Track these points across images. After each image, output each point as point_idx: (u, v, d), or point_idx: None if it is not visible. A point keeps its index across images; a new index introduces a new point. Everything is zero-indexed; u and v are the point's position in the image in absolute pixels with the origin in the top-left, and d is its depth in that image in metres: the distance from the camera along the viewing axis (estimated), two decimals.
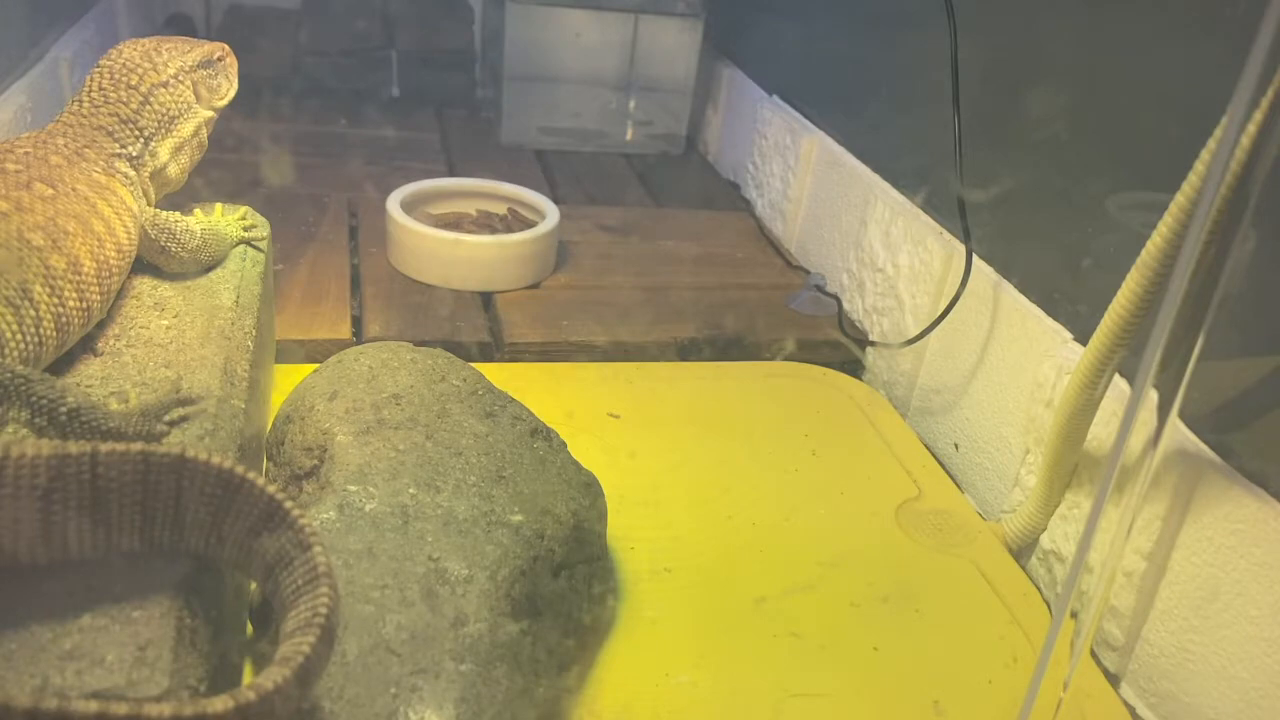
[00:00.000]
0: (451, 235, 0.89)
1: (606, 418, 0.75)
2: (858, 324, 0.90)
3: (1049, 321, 0.68)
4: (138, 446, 0.38)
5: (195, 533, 0.40)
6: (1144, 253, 0.55)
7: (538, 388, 0.76)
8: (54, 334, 0.48)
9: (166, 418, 0.47)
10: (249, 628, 0.50)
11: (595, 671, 0.54)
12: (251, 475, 0.39)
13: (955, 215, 0.74)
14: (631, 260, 0.99)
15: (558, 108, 1.25)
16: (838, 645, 0.58)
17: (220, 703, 0.33)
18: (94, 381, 0.49)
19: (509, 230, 0.96)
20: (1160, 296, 0.56)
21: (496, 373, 0.68)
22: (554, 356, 0.83)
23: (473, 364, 0.67)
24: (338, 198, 1.03)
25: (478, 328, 0.84)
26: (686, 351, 0.86)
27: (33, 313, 0.46)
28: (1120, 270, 0.56)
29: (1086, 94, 0.66)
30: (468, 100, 1.37)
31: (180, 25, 1.46)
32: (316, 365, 0.65)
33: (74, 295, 0.49)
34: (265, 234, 0.67)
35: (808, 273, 0.99)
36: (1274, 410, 0.54)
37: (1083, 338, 0.65)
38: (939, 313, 0.77)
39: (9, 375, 0.42)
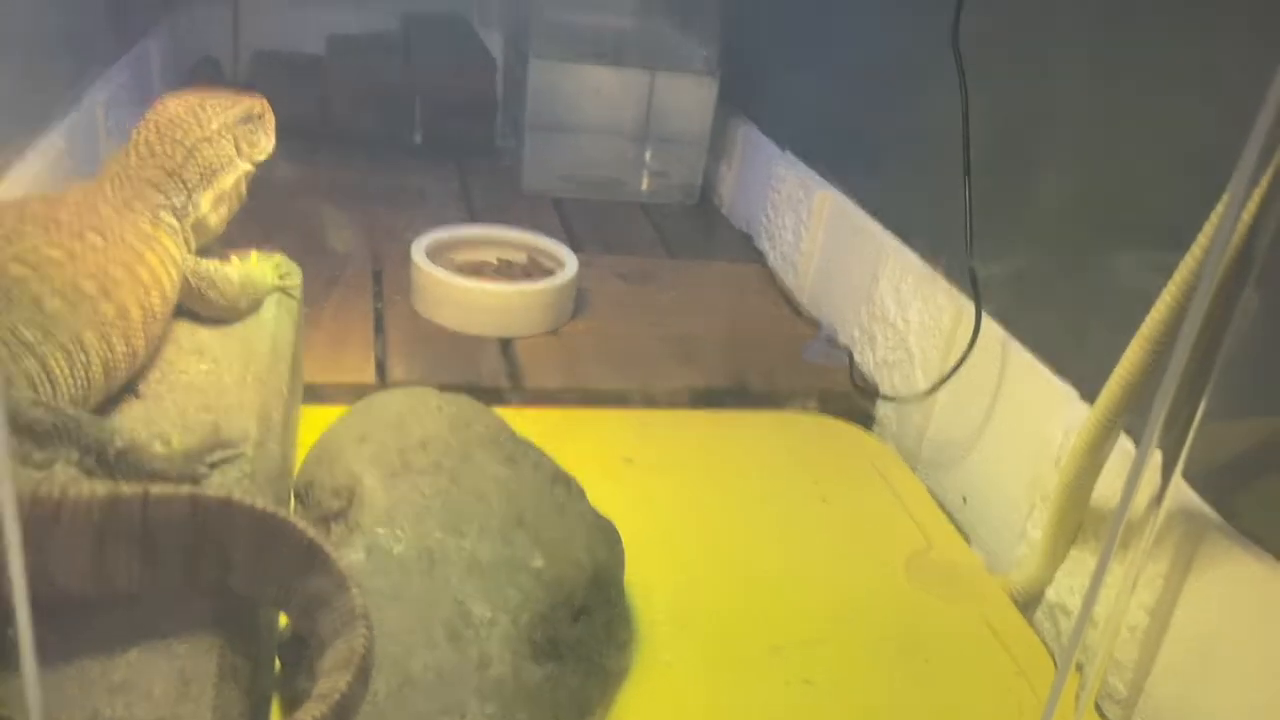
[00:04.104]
0: (474, 283, 0.91)
1: (622, 463, 0.77)
2: (868, 376, 0.92)
3: (1057, 381, 0.70)
4: (186, 489, 0.40)
5: (238, 572, 0.42)
6: (1149, 318, 0.57)
7: (556, 432, 0.78)
8: (102, 378, 0.50)
9: (208, 460, 0.49)
10: (277, 664, 0.52)
11: (614, 715, 0.55)
12: (293, 519, 0.41)
13: (965, 274, 0.76)
14: (646, 308, 1.01)
15: (577, 158, 1.28)
16: (850, 694, 0.59)
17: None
18: (137, 423, 0.52)
19: (529, 277, 0.98)
20: (1165, 360, 0.58)
21: (516, 417, 0.70)
22: (571, 402, 0.85)
23: (493, 408, 0.69)
24: (362, 243, 1.06)
25: (497, 372, 0.86)
26: (699, 399, 0.88)
27: (83, 358, 0.49)
28: (1127, 332, 0.58)
29: (1098, 158, 0.69)
30: (489, 148, 1.40)
31: (209, 68, 1.50)
32: (342, 407, 0.67)
33: (121, 341, 0.51)
34: (297, 281, 0.69)
35: (820, 324, 1.01)
36: (1274, 472, 0.56)
37: (1089, 397, 0.67)
38: (948, 368, 0.79)
39: (62, 416, 0.44)
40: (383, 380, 0.83)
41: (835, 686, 0.59)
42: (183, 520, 0.40)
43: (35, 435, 0.44)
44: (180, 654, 0.39)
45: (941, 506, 0.79)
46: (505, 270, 1.01)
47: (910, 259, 0.89)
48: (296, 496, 0.64)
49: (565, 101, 1.25)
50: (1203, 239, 0.52)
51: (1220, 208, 0.50)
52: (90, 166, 1.00)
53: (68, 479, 0.39)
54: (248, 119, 0.67)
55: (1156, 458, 0.46)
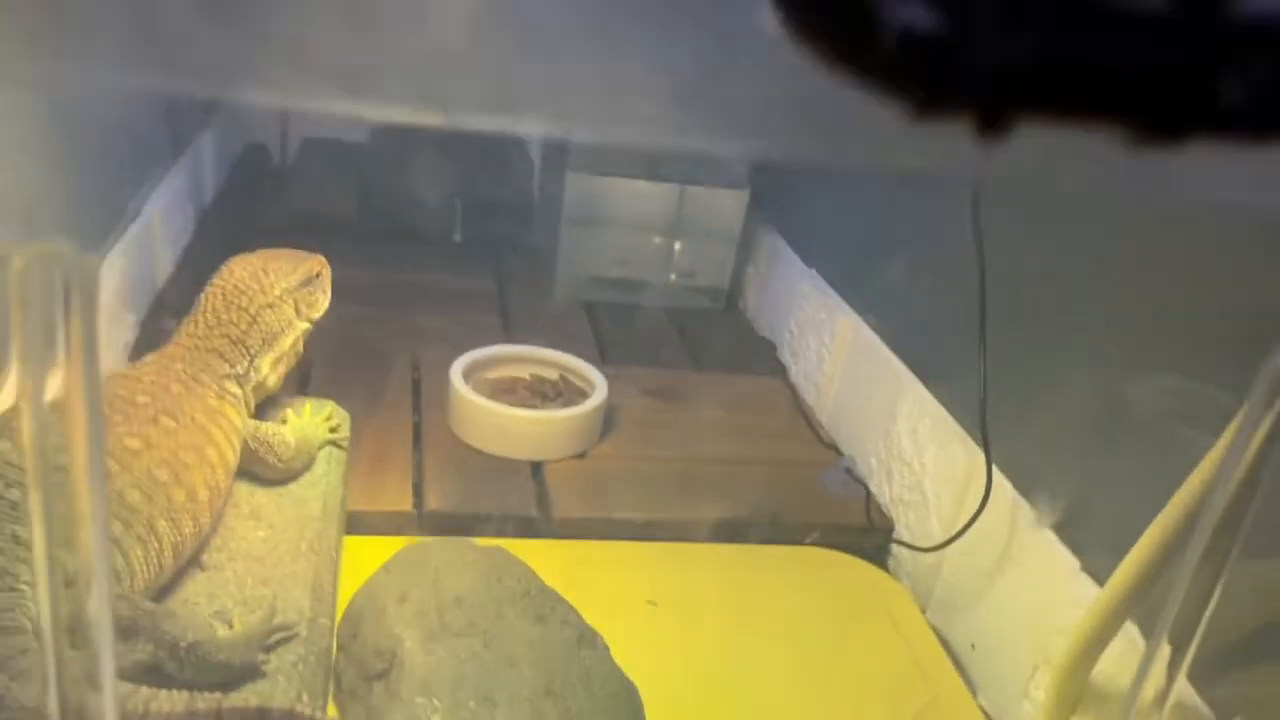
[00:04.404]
0: (506, 409, 0.95)
1: (645, 605, 0.81)
2: (885, 510, 0.96)
3: (1063, 551, 0.73)
4: (255, 704, 0.44)
5: None
6: (1165, 510, 0.60)
7: (582, 569, 0.82)
8: (171, 561, 0.54)
9: (266, 643, 0.53)
10: None
11: None
12: None
13: (979, 428, 0.80)
14: (670, 431, 1.05)
15: (608, 262, 1.33)
16: None
17: None
18: (200, 598, 0.56)
19: (560, 395, 1.02)
20: (1179, 553, 0.61)
21: (545, 551, 0.74)
22: (597, 534, 0.89)
23: (523, 539, 0.73)
24: (402, 352, 1.11)
25: (527, 500, 0.90)
26: (720, 531, 0.92)
27: (156, 545, 0.53)
28: (1139, 517, 0.61)
29: (1117, 324, 0.72)
30: (524, 249, 1.45)
31: (257, 155, 1.56)
32: (381, 537, 0.72)
33: (190, 523, 0.56)
34: (346, 432, 0.74)
35: (839, 454, 1.04)
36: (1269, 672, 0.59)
37: (1090, 570, 0.70)
38: (960, 516, 0.83)
39: (140, 612, 0.49)
40: (419, 507, 0.87)
41: None
42: None
43: (118, 630, 0.48)
44: None
45: (949, 651, 0.82)
46: (537, 387, 1.05)
47: (929, 402, 0.92)
48: (340, 645, 0.68)
49: (598, 210, 1.30)
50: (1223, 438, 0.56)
51: (1238, 419, 0.54)
52: (146, 283, 1.06)
53: (150, 694, 0.44)
54: (307, 281, 0.71)
55: (1165, 651, 0.50)
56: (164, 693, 0.45)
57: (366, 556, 0.71)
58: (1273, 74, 0.19)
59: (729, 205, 1.31)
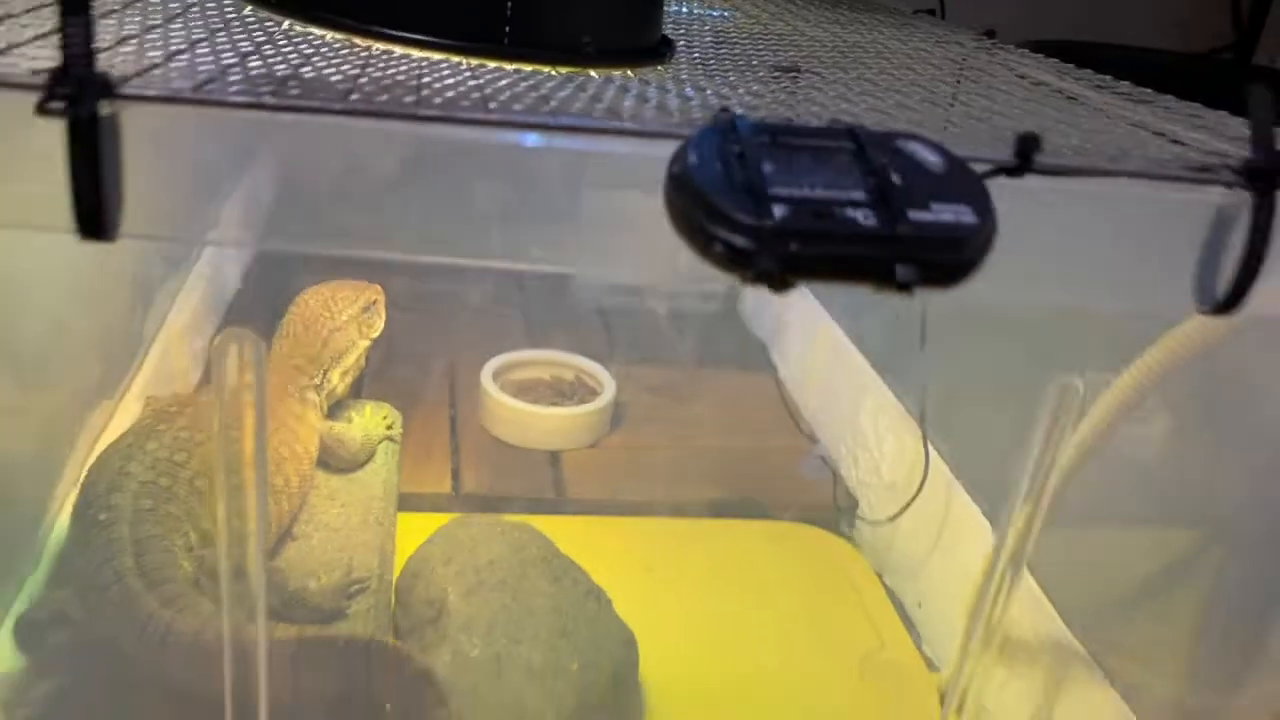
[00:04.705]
0: (529, 407, 1.12)
1: (643, 571, 0.98)
2: (850, 491, 1.12)
3: (984, 521, 0.89)
4: (346, 632, 0.61)
5: (377, 684, 0.63)
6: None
7: (591, 540, 0.98)
8: (274, 532, 0.72)
9: (347, 594, 0.70)
10: None
11: None
12: (412, 653, 0.62)
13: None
14: (672, 422, 1.22)
15: (620, 272, 1.49)
16: None
17: None
18: (295, 563, 0.73)
19: (575, 393, 1.19)
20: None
21: (561, 526, 0.90)
22: (604, 511, 1.06)
23: (544, 515, 0.89)
24: (439, 356, 1.28)
25: (545, 485, 1.07)
26: (710, 509, 1.08)
27: (266, 520, 0.70)
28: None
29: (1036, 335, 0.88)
30: (544, 259, 1.61)
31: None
32: (427, 514, 0.89)
33: (286, 503, 0.73)
34: (399, 429, 0.91)
35: (815, 441, 1.21)
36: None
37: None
38: (909, 497, 0.99)
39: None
40: (457, 490, 1.04)
41: None
42: (343, 650, 0.61)
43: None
44: None
45: (900, 609, 0.99)
46: (556, 386, 1.22)
47: (888, 398, 1.08)
48: (397, 598, 0.85)
49: (610, 225, 1.46)
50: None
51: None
52: (220, 299, 1.23)
53: (271, 625, 0.61)
54: (367, 308, 0.88)
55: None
56: (280, 625, 0.61)
57: (416, 529, 0.87)
58: (934, 257, 0.35)
59: None
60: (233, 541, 0.50)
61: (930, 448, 0.96)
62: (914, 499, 0.95)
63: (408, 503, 1.02)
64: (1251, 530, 0.68)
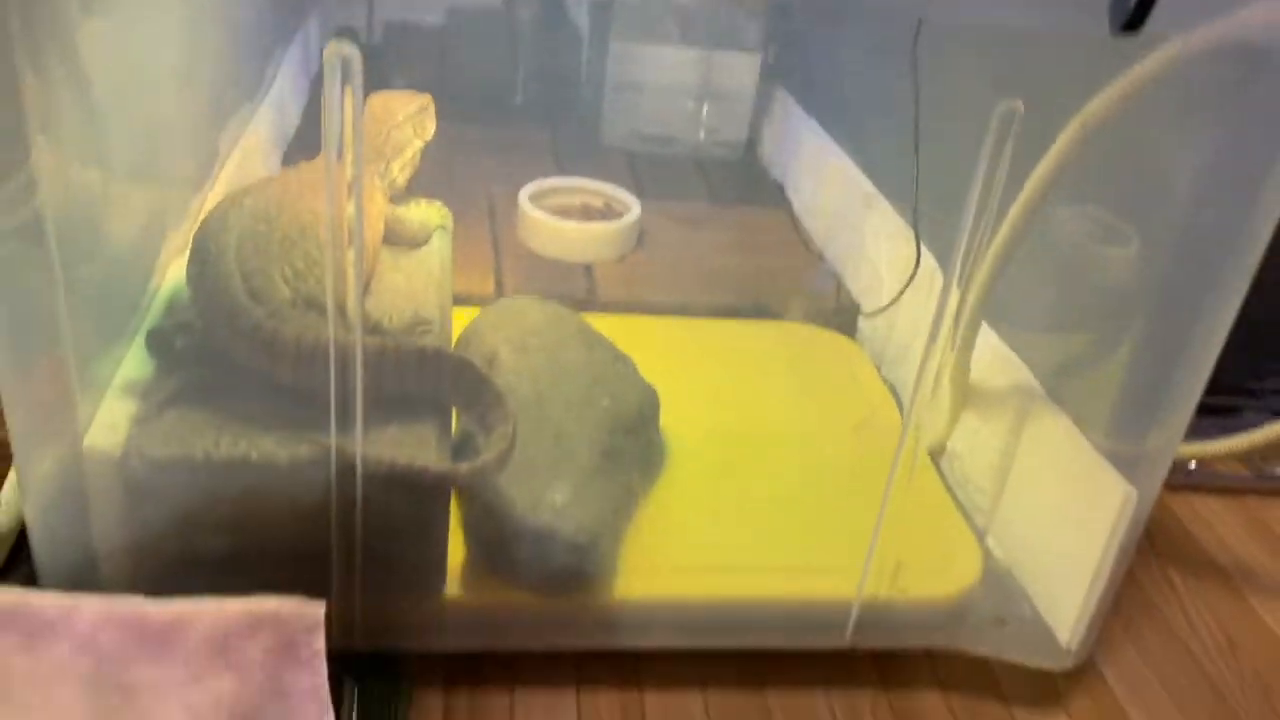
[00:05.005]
0: (564, 222, 1.24)
1: (665, 355, 1.10)
2: (854, 296, 1.24)
3: None
4: (418, 343, 0.74)
5: (445, 389, 0.76)
6: (994, 244, 0.88)
7: (619, 332, 1.11)
8: (355, 283, 0.84)
9: (415, 331, 0.83)
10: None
11: (651, 497, 0.90)
12: (473, 360, 0.75)
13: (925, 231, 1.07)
14: (692, 244, 1.34)
15: (645, 118, 1.60)
16: (807, 496, 0.93)
17: (466, 466, 0.69)
18: (371, 310, 0.86)
19: (604, 217, 1.31)
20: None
21: (593, 320, 1.03)
22: (633, 310, 1.19)
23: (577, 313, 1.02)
24: (480, 188, 1.40)
25: (579, 288, 1.20)
26: (725, 312, 1.21)
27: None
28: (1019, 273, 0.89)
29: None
30: (574, 107, 1.72)
31: (349, 36, 1.83)
32: (475, 308, 1.02)
33: (364, 263, 0.85)
34: (450, 223, 1.03)
35: (823, 259, 1.32)
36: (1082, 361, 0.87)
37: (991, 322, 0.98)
38: (905, 297, 1.11)
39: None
40: (500, 291, 1.17)
41: (799, 494, 0.93)
42: (419, 359, 0.75)
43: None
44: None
45: (894, 392, 1.11)
46: (586, 211, 1.33)
47: (889, 214, 1.19)
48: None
49: (638, 73, 1.56)
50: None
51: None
52: (284, 131, 1.35)
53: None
54: (420, 110, 1.00)
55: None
56: (367, 336, 0.74)
57: (465, 319, 1.00)
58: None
59: (746, 65, 1.57)
60: (336, 254, 0.62)
61: (923, 247, 1.08)
62: (905, 288, 1.07)
63: (455, 300, 1.14)
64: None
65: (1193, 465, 1.18)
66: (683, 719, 0.83)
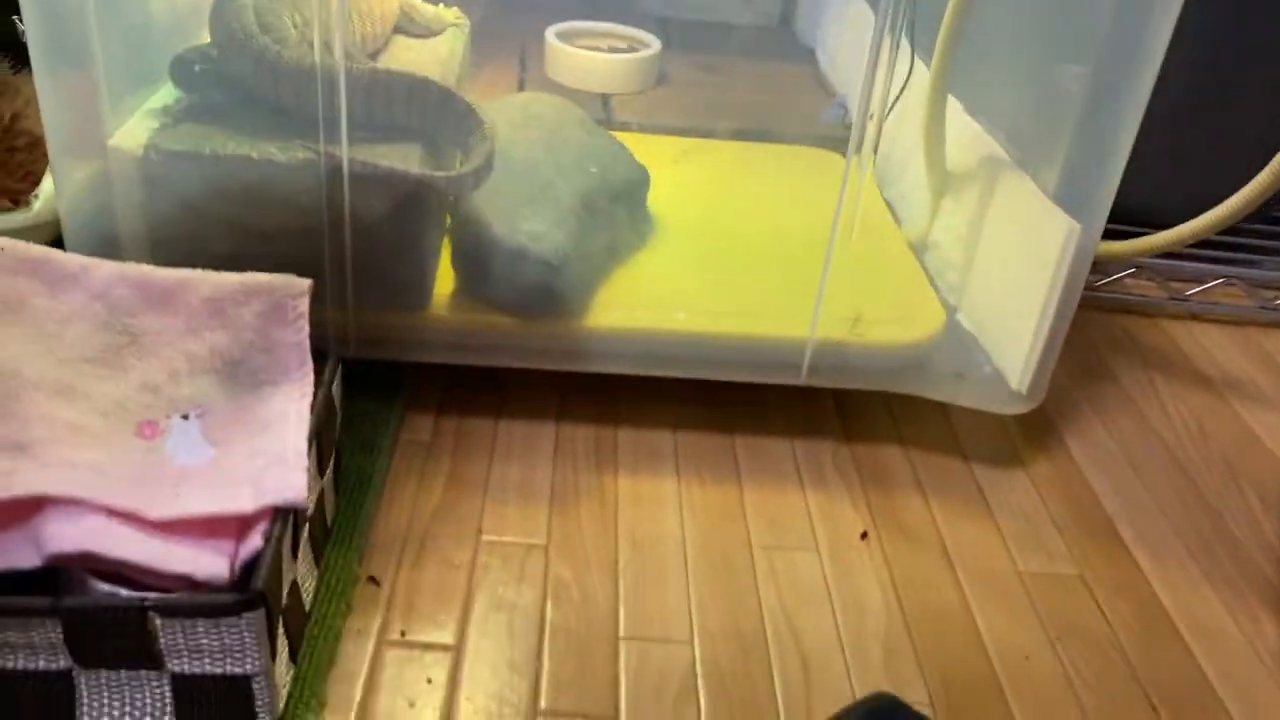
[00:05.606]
0: (587, 52, 1.31)
1: (671, 162, 1.16)
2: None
3: (955, 102, 1.05)
4: (407, 72, 0.82)
5: (430, 117, 0.83)
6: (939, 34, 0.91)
7: (631, 142, 1.17)
8: (373, 46, 0.92)
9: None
10: None
11: (631, 261, 0.96)
12: (456, 92, 0.82)
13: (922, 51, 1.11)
14: (713, 87, 1.39)
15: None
16: (782, 270, 0.98)
17: (444, 174, 0.76)
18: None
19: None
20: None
21: None
22: (646, 130, 1.25)
23: None
24: (510, 31, 1.46)
25: (598, 111, 1.26)
26: (739, 134, 1.26)
27: (370, 29, 0.91)
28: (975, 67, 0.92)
29: None
30: None
31: None
32: None
33: (370, 26, 0.93)
34: (465, 23, 1.11)
35: (834, 97, 1.37)
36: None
37: (971, 110, 1.02)
38: (905, 114, 1.15)
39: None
40: None
41: (765, 255, 0.98)
42: (408, 86, 0.82)
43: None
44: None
45: (892, 208, 1.15)
46: (610, 50, 1.40)
47: (905, 51, 1.23)
48: None
49: None
50: None
51: None
52: None
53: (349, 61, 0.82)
54: None
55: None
56: (358, 60, 0.82)
57: None
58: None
59: None
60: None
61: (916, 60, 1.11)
62: (899, 96, 1.11)
63: None
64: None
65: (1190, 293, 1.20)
66: (651, 453, 0.90)
